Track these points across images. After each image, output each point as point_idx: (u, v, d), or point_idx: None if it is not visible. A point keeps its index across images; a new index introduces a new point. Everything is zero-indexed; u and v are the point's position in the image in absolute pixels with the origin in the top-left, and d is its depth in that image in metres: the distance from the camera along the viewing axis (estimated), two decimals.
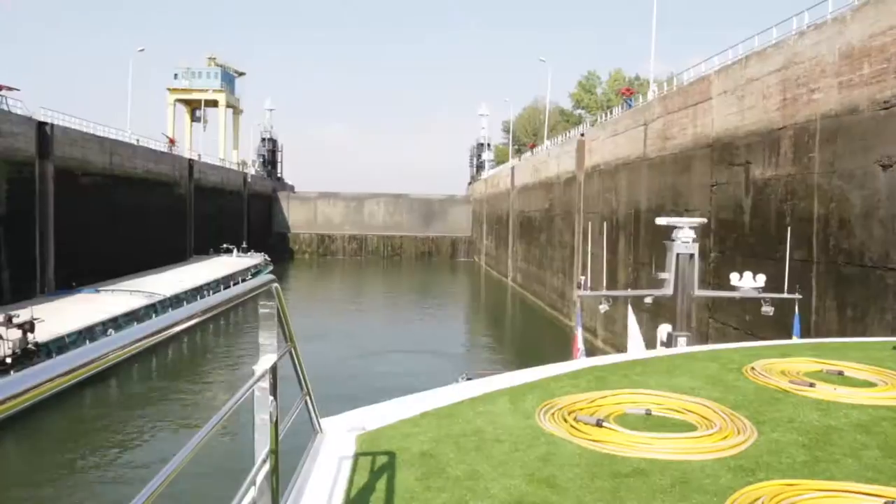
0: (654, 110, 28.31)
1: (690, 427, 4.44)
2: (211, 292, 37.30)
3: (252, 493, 2.38)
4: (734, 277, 14.47)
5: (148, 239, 46.96)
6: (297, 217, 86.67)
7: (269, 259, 60.74)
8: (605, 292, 14.90)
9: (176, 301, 34.24)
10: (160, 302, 33.15)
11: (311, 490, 3.32)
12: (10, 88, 36.20)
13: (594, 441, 4.10)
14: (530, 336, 39.57)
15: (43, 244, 34.62)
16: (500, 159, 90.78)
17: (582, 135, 38.88)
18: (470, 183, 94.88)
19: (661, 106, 27.56)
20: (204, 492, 13.73)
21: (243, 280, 41.62)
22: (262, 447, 2.48)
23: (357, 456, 3.83)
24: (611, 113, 39.42)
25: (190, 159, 61.16)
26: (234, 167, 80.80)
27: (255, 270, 52.11)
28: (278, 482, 2.54)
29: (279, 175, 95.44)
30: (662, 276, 13.56)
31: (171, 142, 64.32)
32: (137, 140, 52.23)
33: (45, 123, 35.95)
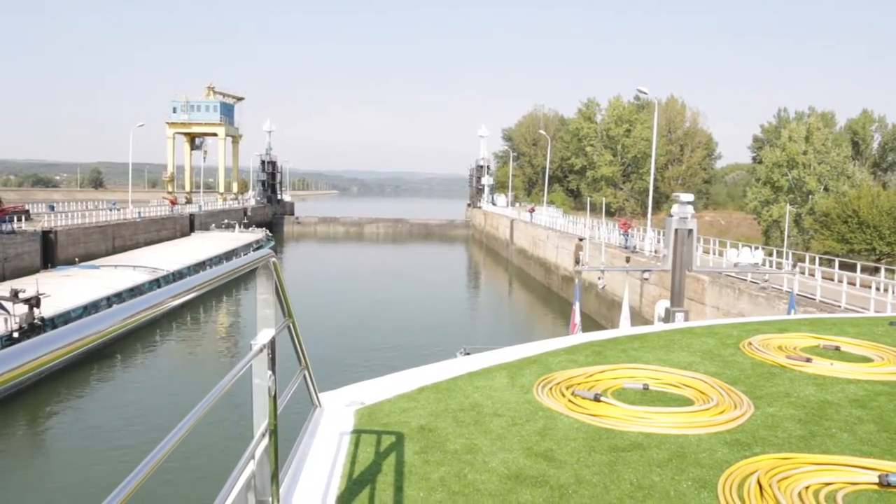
0: (652, 276, 29.38)
1: (687, 402, 4.47)
2: (213, 267, 37.28)
3: (251, 466, 2.39)
4: (733, 253, 14.50)
5: None
6: None
7: (270, 234, 61.00)
8: (603, 267, 14.90)
9: (179, 276, 34.28)
10: (163, 277, 33.27)
11: (310, 464, 3.34)
12: (14, 208, 40.39)
13: (592, 415, 4.12)
14: None
15: None
16: (501, 180, 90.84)
17: (581, 239, 40.50)
18: (469, 205, 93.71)
19: (657, 275, 28.32)
20: (203, 465, 13.86)
21: (245, 255, 41.66)
22: (261, 421, 2.48)
23: (356, 430, 3.85)
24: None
25: (191, 214, 62.10)
26: (234, 202, 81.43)
27: (257, 245, 52.57)
28: (277, 456, 2.55)
29: (280, 197, 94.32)
30: (662, 251, 13.59)
31: (172, 203, 65.14)
32: (139, 213, 53.99)
33: (48, 231, 37.96)
